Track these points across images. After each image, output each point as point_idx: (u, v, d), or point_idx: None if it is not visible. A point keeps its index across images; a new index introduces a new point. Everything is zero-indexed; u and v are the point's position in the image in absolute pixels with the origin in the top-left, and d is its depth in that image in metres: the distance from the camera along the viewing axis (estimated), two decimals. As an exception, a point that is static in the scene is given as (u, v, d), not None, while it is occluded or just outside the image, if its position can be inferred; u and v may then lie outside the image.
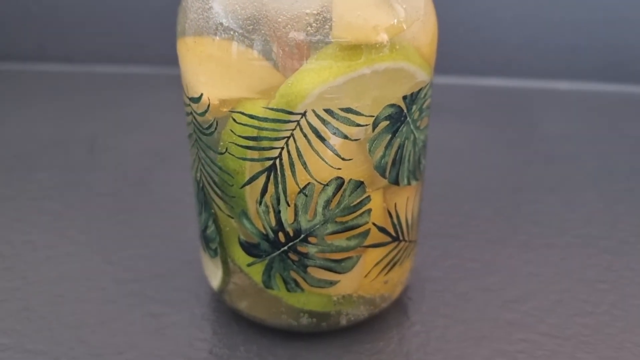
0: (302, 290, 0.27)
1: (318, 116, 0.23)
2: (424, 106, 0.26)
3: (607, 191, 0.41)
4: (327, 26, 0.23)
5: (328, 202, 0.25)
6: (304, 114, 0.23)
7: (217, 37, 0.24)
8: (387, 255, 0.27)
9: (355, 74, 0.23)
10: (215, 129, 0.25)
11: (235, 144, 0.24)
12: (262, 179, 0.25)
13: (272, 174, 0.24)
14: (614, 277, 0.33)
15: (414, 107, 0.25)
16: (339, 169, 0.24)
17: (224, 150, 0.25)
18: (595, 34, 0.58)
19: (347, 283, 0.27)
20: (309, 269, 0.26)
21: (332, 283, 0.27)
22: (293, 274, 0.26)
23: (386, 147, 0.25)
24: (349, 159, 0.24)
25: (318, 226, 0.25)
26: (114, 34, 0.62)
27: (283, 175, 0.24)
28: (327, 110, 0.23)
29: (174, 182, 0.42)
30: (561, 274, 0.34)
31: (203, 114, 0.25)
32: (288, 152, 0.24)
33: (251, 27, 0.23)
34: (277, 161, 0.24)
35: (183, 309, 0.31)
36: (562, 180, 0.43)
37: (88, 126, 0.51)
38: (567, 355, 0.28)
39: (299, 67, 0.23)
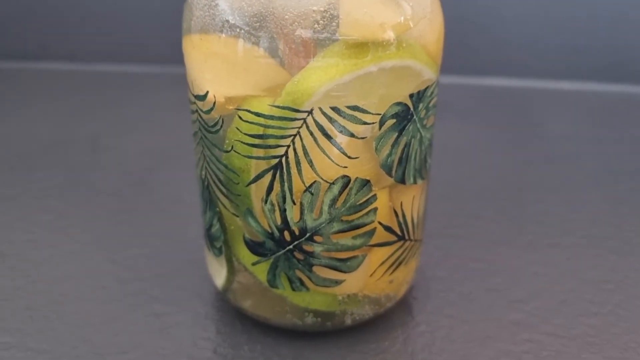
0: (307, 289, 0.27)
1: (324, 114, 0.23)
2: (431, 104, 0.26)
3: (611, 191, 0.41)
4: (334, 23, 0.23)
5: (334, 201, 0.25)
6: (310, 112, 0.23)
7: (223, 35, 0.23)
8: (392, 254, 0.27)
9: (362, 71, 0.23)
10: (221, 126, 0.25)
11: (241, 142, 0.24)
12: (267, 177, 0.24)
13: (278, 172, 0.24)
14: (619, 277, 0.33)
15: (421, 105, 0.25)
16: (345, 167, 0.24)
17: (230, 148, 0.25)
18: (598, 34, 0.58)
19: (353, 282, 0.27)
20: (314, 268, 0.26)
21: (337, 282, 0.27)
22: (298, 273, 0.26)
23: (393, 146, 0.25)
24: (355, 158, 0.24)
25: (324, 225, 0.25)
26: (116, 33, 0.61)
27: (289, 173, 0.24)
28: (333, 108, 0.23)
29: (176, 181, 0.42)
30: (566, 274, 0.33)
31: (209, 111, 0.25)
32: (294, 150, 0.24)
33: (257, 24, 0.23)
34: (283, 159, 0.24)
35: (187, 308, 0.31)
36: (565, 180, 0.43)
37: (90, 125, 0.51)
38: (573, 355, 0.28)
39: (305, 64, 0.23)
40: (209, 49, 0.24)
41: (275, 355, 0.28)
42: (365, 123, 0.24)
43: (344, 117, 0.23)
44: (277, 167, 0.24)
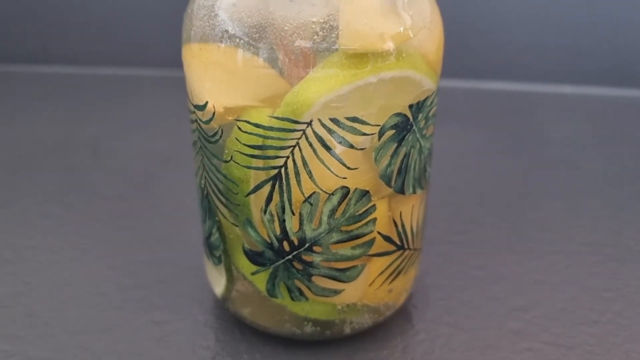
0: (307, 298, 0.27)
1: (324, 125, 0.23)
2: (430, 114, 0.26)
3: (613, 197, 0.41)
4: (333, 34, 0.23)
5: (333, 211, 0.25)
6: (309, 123, 0.23)
7: (223, 45, 0.23)
8: (391, 263, 0.27)
9: (362, 82, 0.23)
10: (220, 137, 0.25)
11: (240, 152, 0.24)
12: (267, 187, 0.24)
13: (277, 182, 0.24)
14: (620, 285, 0.33)
15: (420, 115, 0.25)
16: (345, 178, 0.24)
17: (229, 158, 0.25)
18: (600, 38, 0.58)
19: (352, 292, 0.27)
20: (314, 278, 0.26)
21: (336, 292, 0.27)
22: (297, 283, 0.26)
23: (392, 156, 0.25)
24: (355, 168, 0.24)
25: (323, 235, 0.25)
26: (118, 36, 0.61)
27: (288, 184, 0.24)
28: (332, 119, 0.23)
29: (178, 185, 0.42)
30: (566, 282, 0.33)
31: (208, 121, 0.25)
32: (293, 161, 0.24)
33: (257, 34, 0.23)
34: (283, 170, 0.24)
35: (186, 315, 0.31)
36: (566, 185, 0.43)
37: (91, 129, 0.51)
38: (573, 364, 0.28)
39: (304, 75, 0.23)
40: (208, 59, 0.24)
41: (275, 364, 0.28)
42: (364, 134, 0.24)
43: (343, 129, 0.23)
44: (277, 177, 0.24)
